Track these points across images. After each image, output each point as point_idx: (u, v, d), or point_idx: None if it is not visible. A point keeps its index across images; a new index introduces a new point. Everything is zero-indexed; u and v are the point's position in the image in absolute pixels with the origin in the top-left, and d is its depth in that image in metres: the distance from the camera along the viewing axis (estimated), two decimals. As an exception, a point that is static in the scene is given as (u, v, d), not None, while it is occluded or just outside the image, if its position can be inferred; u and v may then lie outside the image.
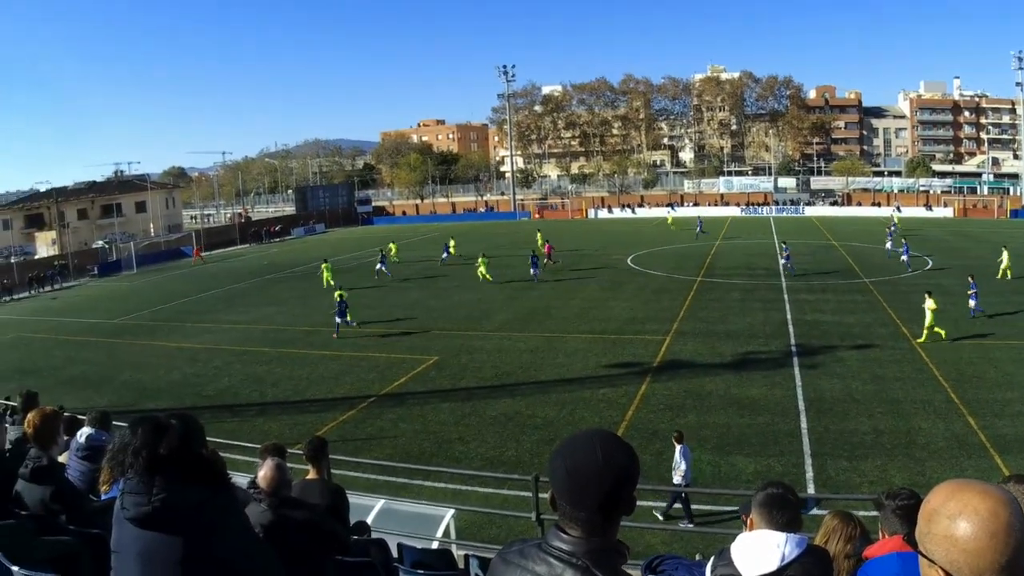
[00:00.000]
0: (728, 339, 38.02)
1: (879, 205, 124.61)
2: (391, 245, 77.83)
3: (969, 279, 42.88)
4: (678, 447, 20.25)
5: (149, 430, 4.19)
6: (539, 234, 76.94)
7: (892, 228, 73.86)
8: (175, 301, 60.00)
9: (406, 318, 47.53)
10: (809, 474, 22.08)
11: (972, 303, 41.67)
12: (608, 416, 27.69)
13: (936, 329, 36.41)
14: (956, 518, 2.31)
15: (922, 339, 36.46)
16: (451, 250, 74.95)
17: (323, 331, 44.59)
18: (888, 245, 68.58)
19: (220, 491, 4.32)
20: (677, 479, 19.99)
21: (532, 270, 60.46)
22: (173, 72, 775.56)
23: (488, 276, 59.82)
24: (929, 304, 36.56)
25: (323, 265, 62.85)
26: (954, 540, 2.29)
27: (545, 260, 65.45)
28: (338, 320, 43.82)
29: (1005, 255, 54.73)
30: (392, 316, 48.51)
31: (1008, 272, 53.91)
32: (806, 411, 27.30)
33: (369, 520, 12.52)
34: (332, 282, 59.60)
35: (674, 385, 31.24)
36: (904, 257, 59.52)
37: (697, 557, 4.72)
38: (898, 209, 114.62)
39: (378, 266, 66.62)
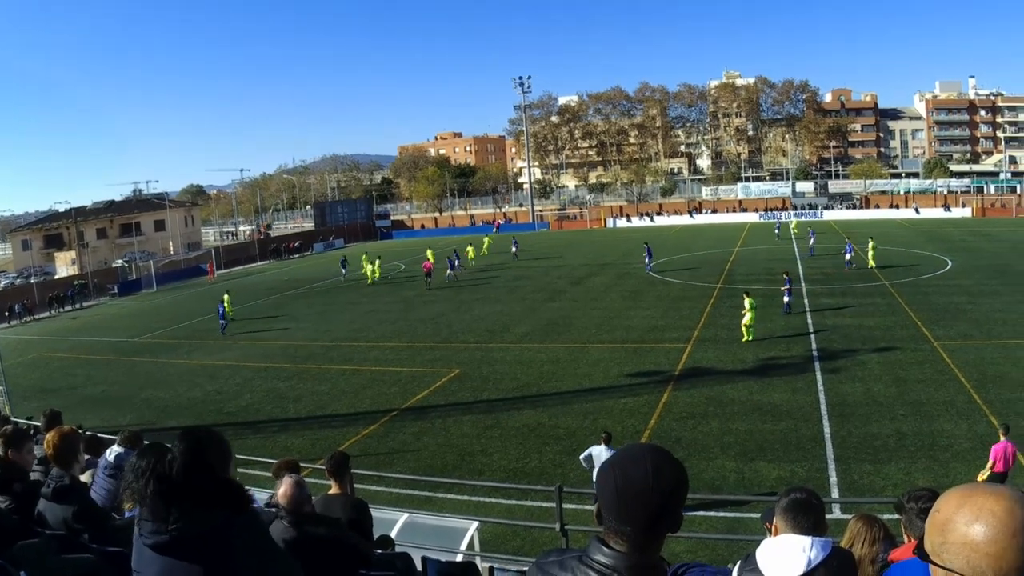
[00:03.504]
0: (749, 345, 37.89)
1: (897, 207, 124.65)
2: (468, 248, 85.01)
3: (784, 275, 45.56)
4: (605, 448, 19.86)
5: (155, 458, 4.17)
6: (429, 251, 79.88)
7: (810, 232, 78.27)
8: (195, 319, 60.15)
9: (428, 331, 47.54)
10: (833, 479, 21.96)
11: (786, 299, 44.49)
12: (631, 425, 27.63)
13: (749, 327, 38.40)
14: (973, 523, 2.28)
15: (745, 338, 38.49)
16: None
17: (343, 346, 44.68)
18: (812, 242, 73.47)
19: (238, 512, 4.29)
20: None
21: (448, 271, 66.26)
22: (190, 90, 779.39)
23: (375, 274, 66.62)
24: (748, 303, 38.42)
25: (363, 257, 65.84)
26: (975, 545, 2.26)
27: (425, 278, 66.64)
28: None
29: (870, 244, 61.69)
30: (413, 329, 48.56)
31: (872, 262, 60.31)
32: (829, 415, 27.17)
33: (393, 534, 12.50)
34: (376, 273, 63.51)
35: (696, 392, 31.15)
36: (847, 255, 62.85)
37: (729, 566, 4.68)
38: (916, 210, 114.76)
39: (448, 272, 69.37)
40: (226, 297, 53.62)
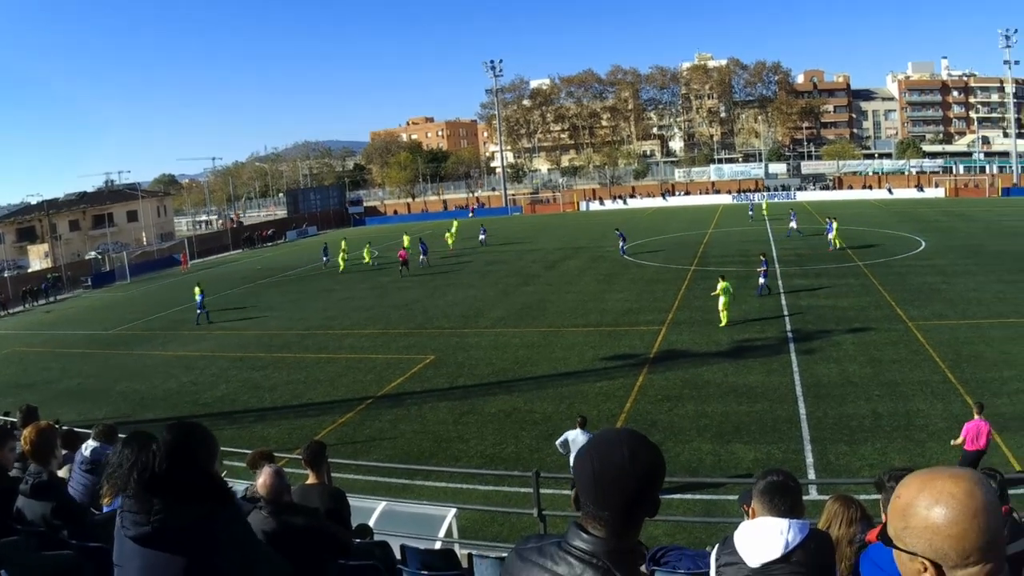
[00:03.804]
0: (724, 328, 38.02)
1: (871, 188, 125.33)
2: (447, 234, 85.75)
3: (761, 257, 45.58)
4: (581, 432, 19.88)
5: (141, 449, 4.16)
6: (405, 236, 79.77)
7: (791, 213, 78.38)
8: (170, 310, 59.81)
9: (402, 317, 47.54)
10: (809, 460, 22.10)
11: (761, 280, 44.75)
12: (606, 409, 27.70)
13: (724, 311, 38.40)
14: (933, 506, 2.31)
15: (723, 323, 38.33)
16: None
17: (318, 334, 44.64)
18: (793, 225, 72.95)
19: (222, 506, 4.29)
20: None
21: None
22: (161, 79, 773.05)
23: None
24: (721, 284, 38.47)
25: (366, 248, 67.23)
26: (936, 528, 2.30)
27: (400, 267, 65.78)
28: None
29: (834, 226, 62.35)
30: (388, 316, 48.55)
31: (838, 242, 61.03)
32: (804, 397, 27.33)
33: (371, 522, 12.54)
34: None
35: (671, 375, 31.26)
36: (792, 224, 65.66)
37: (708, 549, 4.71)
38: (889, 191, 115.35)
39: (421, 257, 70.11)
40: (197, 289, 53.47)
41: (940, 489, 2.33)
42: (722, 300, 37.99)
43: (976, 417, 19.05)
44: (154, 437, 4.29)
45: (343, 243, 76.66)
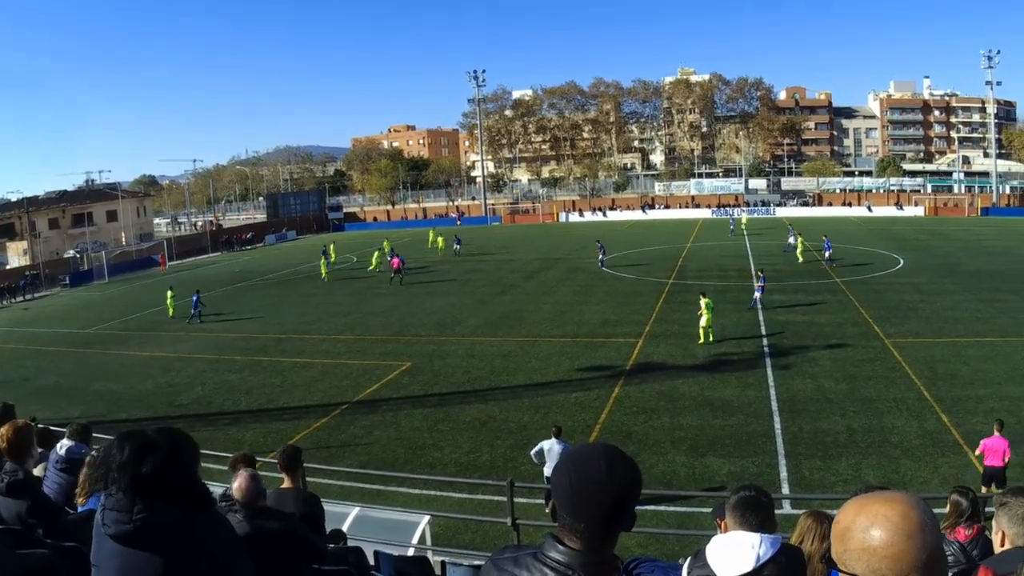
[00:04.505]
0: (702, 345, 38.04)
1: (850, 205, 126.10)
2: (439, 239, 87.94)
3: (759, 273, 46.83)
4: (556, 442, 19.95)
5: (136, 447, 4.16)
6: (386, 242, 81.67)
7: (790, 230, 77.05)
8: (147, 310, 59.56)
9: (379, 324, 47.50)
10: (783, 474, 22.19)
11: (757, 295, 45.29)
12: (581, 419, 27.76)
13: (707, 329, 37.98)
14: (869, 529, 2.37)
15: (701, 341, 37.83)
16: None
17: (295, 339, 44.59)
18: (791, 240, 71.38)
19: (203, 510, 4.31)
20: (548, 472, 19.72)
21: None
22: (143, 80, 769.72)
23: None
24: (704, 302, 38.13)
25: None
26: (872, 550, 2.35)
27: (392, 274, 64.83)
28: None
29: (799, 241, 64.94)
30: (365, 322, 48.51)
31: (800, 256, 63.35)
32: (779, 411, 27.45)
33: (344, 528, 12.54)
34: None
35: (647, 387, 31.33)
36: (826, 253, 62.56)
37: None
38: (869, 208, 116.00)
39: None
40: (169, 293, 53.52)
41: (875, 512, 2.40)
42: (704, 317, 37.86)
43: (996, 434, 19.27)
44: (147, 436, 4.30)
45: (332, 247, 76.99)
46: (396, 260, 65.75)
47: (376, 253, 74.40)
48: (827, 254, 61.66)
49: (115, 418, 30.23)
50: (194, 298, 53.10)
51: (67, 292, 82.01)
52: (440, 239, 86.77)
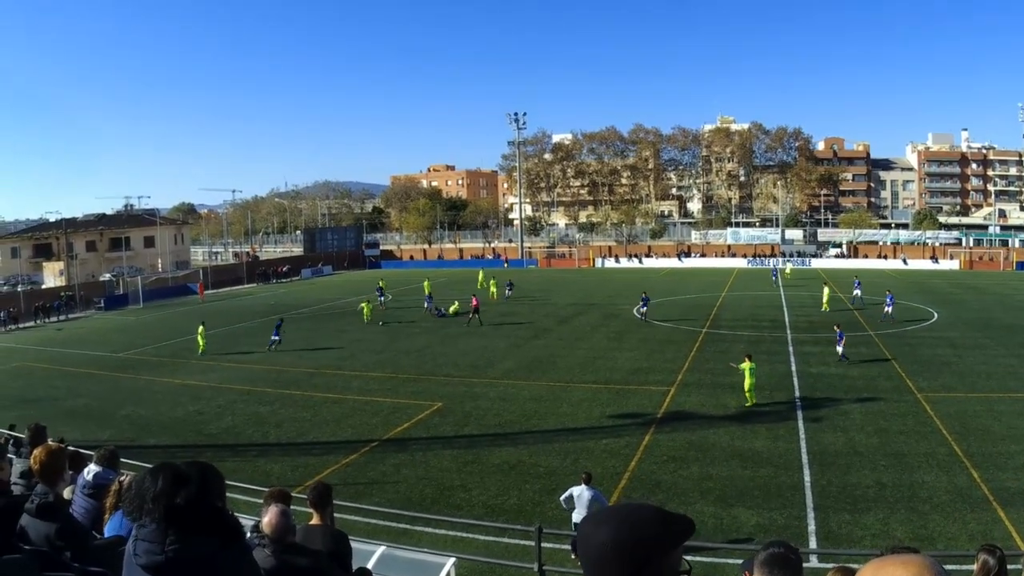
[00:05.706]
0: (732, 391, 37.73)
1: (886, 257, 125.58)
2: (491, 282, 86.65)
3: (836, 328, 45.93)
4: (585, 488, 19.82)
5: (170, 479, 4.17)
6: (426, 282, 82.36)
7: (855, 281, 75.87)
8: (180, 338, 59.88)
9: (412, 363, 47.56)
10: (811, 527, 21.98)
11: (840, 349, 44.50)
12: (611, 466, 27.60)
13: (750, 392, 36.35)
14: None
15: (748, 403, 36.15)
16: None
17: (327, 374, 44.64)
18: (857, 292, 70.89)
19: (233, 543, 4.32)
20: (576, 518, 19.56)
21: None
22: (187, 109, 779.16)
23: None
24: (745, 365, 36.53)
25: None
26: None
27: (471, 314, 63.99)
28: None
29: (825, 290, 65.69)
30: (398, 360, 48.55)
31: (826, 306, 64.28)
32: (809, 464, 27.21)
33: (370, 566, 12.51)
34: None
35: (678, 436, 31.15)
36: (888, 308, 60.84)
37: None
38: (904, 261, 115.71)
39: (426, 305, 70.84)
40: (200, 328, 53.43)
41: (890, 574, 2.38)
42: (748, 381, 37.31)
43: None
44: (179, 468, 4.31)
45: (382, 282, 77.43)
46: (475, 300, 65.53)
47: (364, 304, 69.00)
48: (888, 310, 60.20)
49: (143, 443, 30.46)
50: (277, 323, 54.75)
51: (101, 315, 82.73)
52: (492, 283, 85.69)
